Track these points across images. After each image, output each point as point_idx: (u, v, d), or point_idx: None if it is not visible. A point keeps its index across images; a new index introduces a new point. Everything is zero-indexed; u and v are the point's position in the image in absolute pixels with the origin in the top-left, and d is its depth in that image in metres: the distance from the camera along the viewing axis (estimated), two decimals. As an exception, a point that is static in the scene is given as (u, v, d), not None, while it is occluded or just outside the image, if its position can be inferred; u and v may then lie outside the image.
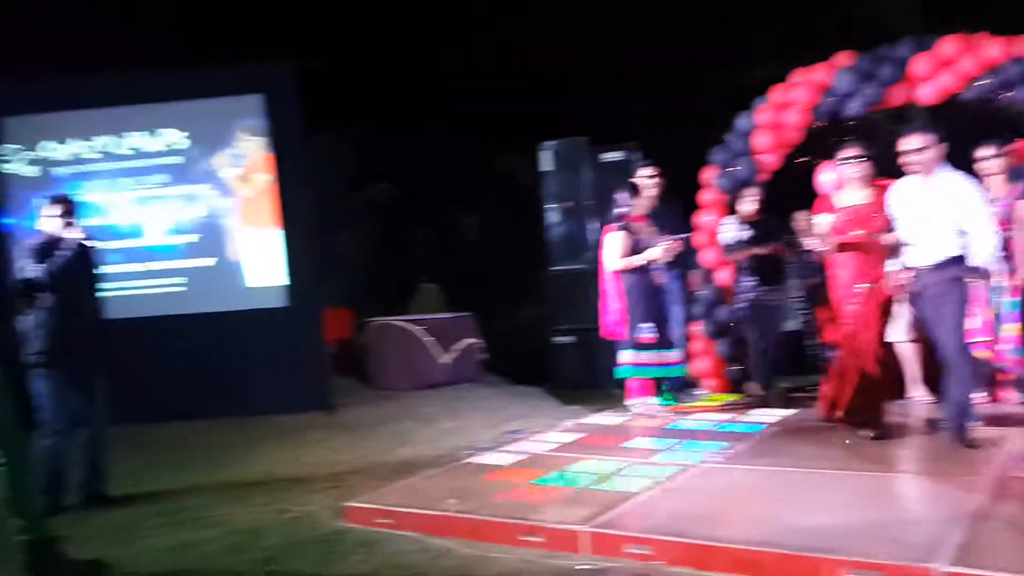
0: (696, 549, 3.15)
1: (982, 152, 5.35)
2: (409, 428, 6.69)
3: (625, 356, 6.07)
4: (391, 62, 9.68)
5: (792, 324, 7.39)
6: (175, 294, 8.07)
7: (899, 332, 5.53)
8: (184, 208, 8.16)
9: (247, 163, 8.13)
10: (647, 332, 6.02)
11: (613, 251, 6.09)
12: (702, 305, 6.96)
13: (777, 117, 6.76)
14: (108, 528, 4.27)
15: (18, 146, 8.07)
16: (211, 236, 8.14)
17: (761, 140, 6.79)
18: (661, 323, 6.09)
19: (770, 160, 6.83)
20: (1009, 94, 5.85)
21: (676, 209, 6.85)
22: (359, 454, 5.77)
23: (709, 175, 7.07)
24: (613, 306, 6.25)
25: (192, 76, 8.06)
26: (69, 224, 4.72)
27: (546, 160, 8.41)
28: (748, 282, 6.28)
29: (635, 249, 6.03)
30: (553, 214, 8.45)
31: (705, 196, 7.06)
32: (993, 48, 5.91)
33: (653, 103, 9.82)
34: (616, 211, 6.19)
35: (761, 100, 6.90)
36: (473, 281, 9.88)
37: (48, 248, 4.61)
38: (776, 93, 6.82)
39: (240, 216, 8.13)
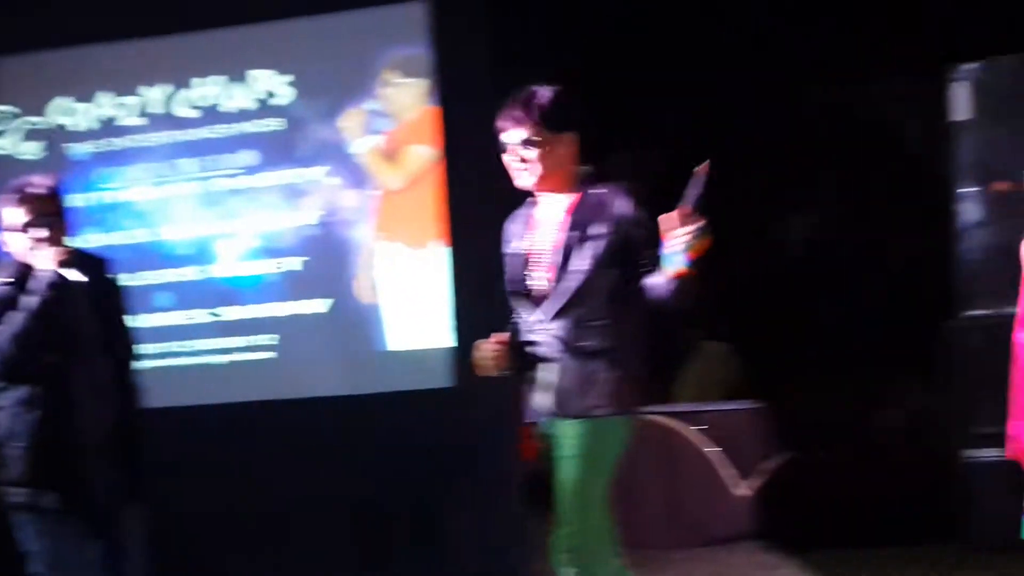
0: None
1: None
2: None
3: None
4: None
5: None
6: (259, 364, 4.74)
7: None
8: (281, 211, 4.81)
9: (395, 127, 4.73)
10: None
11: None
12: None
13: None
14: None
15: (14, 109, 4.94)
16: (326, 259, 4.76)
17: None
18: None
19: None
20: None
21: None
22: None
23: None
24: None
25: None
26: (47, 241, 2.81)
27: (961, 100, 4.60)
28: None
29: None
30: (971, 206, 4.67)
31: None
32: None
33: None
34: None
35: None
36: (800, 337, 5.84)
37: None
38: None
39: (379, 224, 4.71)
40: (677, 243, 2.31)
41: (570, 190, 2.57)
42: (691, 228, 2.30)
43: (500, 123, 2.56)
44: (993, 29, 4.98)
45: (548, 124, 2.52)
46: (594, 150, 2.75)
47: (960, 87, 4.59)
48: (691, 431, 5.33)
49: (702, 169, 2.36)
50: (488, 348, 2.53)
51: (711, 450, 5.19)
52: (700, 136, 5.26)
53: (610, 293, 2.49)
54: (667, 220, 2.32)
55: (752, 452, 5.27)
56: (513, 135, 2.56)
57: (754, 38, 5.62)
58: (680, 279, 2.32)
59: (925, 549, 4.65)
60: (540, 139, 2.52)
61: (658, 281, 2.39)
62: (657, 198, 2.51)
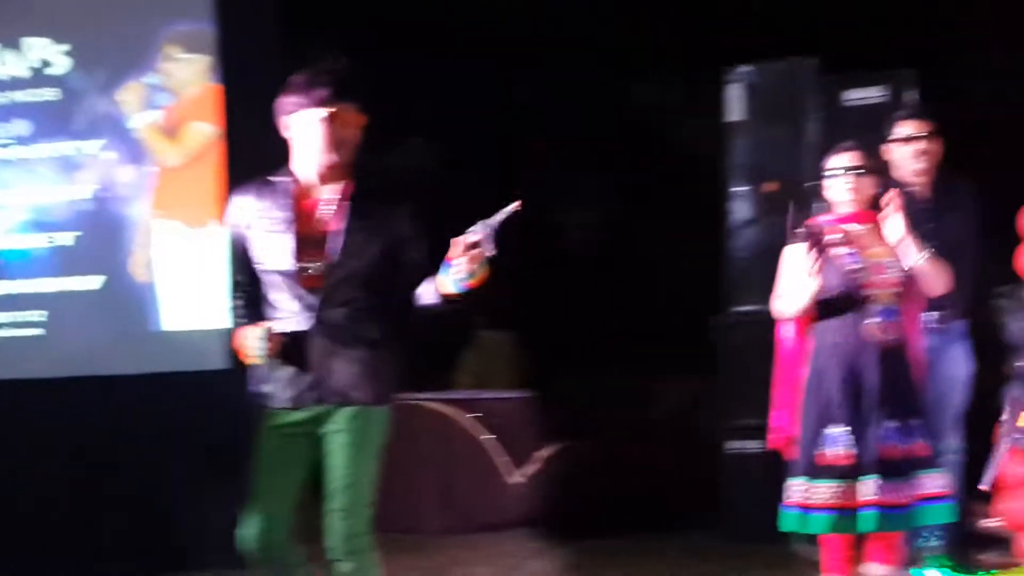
0: None
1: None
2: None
3: (793, 490, 3.31)
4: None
5: None
6: (26, 341, 4.65)
7: None
8: (54, 184, 4.70)
9: (175, 103, 4.65)
10: (834, 443, 3.28)
11: (788, 281, 3.40)
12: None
13: None
14: None
15: None
16: (100, 235, 4.66)
17: None
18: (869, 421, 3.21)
19: None
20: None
21: (964, 200, 3.90)
22: None
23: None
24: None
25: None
26: None
27: (735, 101, 4.70)
28: None
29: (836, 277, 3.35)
30: (742, 205, 4.77)
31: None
32: None
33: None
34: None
35: None
36: (575, 329, 5.97)
37: None
38: None
39: (156, 201, 4.63)
40: (459, 268, 2.27)
41: (344, 176, 2.48)
42: (476, 258, 2.25)
43: (314, 94, 2.40)
44: (768, 34, 5.13)
45: (358, 104, 2.43)
46: (373, 138, 2.68)
47: (734, 89, 4.71)
48: (467, 419, 5.37)
49: (513, 207, 2.29)
50: (256, 335, 2.38)
51: (486, 438, 5.23)
52: (483, 129, 5.31)
53: (379, 284, 2.45)
54: (456, 243, 2.28)
55: (527, 441, 5.32)
56: (331, 108, 2.40)
57: (539, 36, 5.66)
58: (448, 299, 2.31)
59: (690, 538, 4.79)
60: (356, 117, 2.43)
61: (427, 290, 2.37)
62: (433, 193, 2.48)
